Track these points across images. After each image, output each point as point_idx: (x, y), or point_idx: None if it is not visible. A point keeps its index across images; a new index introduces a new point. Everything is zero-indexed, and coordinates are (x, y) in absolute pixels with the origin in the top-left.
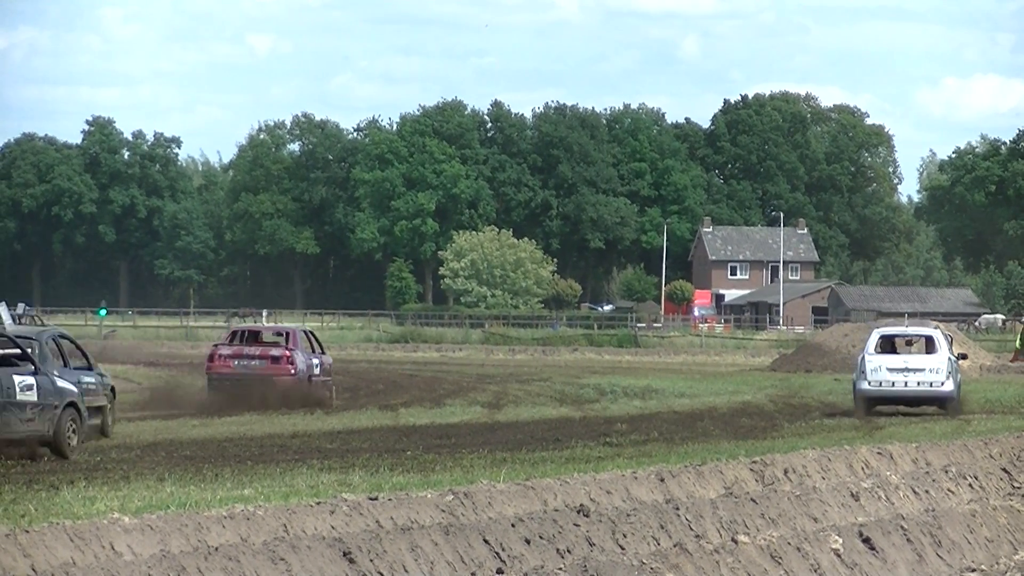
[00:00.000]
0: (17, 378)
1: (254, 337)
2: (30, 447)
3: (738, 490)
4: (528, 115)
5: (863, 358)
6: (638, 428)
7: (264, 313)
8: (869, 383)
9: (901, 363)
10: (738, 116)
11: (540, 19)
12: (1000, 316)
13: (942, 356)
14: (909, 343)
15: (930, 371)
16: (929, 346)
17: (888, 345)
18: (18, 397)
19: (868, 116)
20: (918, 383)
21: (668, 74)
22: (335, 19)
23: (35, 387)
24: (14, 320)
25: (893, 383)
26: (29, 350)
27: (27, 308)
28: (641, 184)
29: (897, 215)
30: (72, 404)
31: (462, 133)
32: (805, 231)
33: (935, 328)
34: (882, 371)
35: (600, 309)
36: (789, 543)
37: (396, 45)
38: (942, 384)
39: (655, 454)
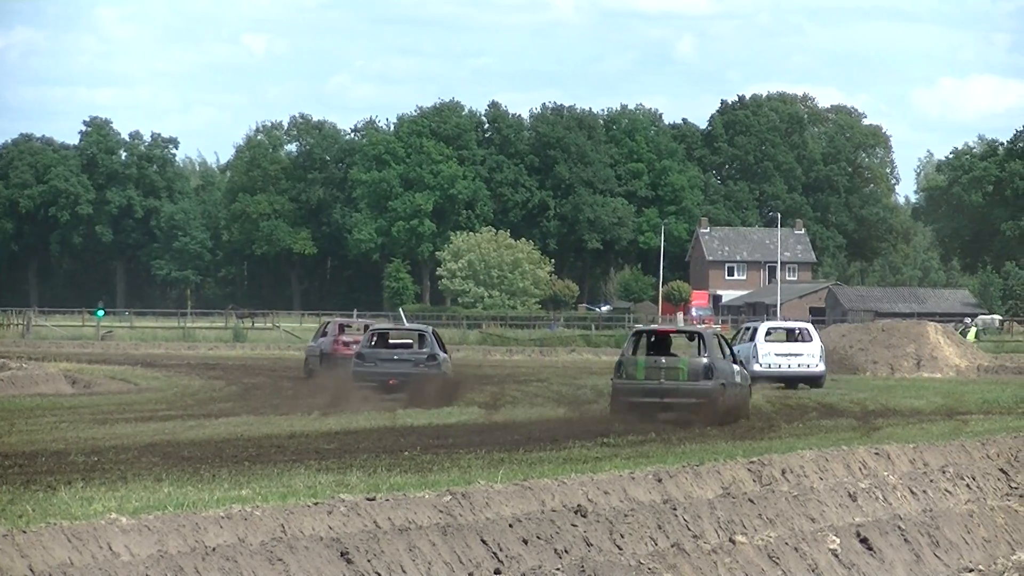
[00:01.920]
0: None
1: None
2: None
3: (736, 490)
4: (525, 116)
5: (755, 345)
6: (635, 429)
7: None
8: (760, 365)
9: (785, 350)
10: (735, 117)
11: (536, 19)
12: (997, 316)
13: (815, 344)
14: (793, 334)
15: (807, 356)
16: (806, 336)
17: (775, 334)
18: None
19: (865, 117)
20: (798, 365)
21: (664, 74)
22: (331, 19)
23: None
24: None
25: (779, 365)
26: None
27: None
28: (638, 185)
29: (894, 216)
30: None
31: (459, 134)
32: (802, 232)
33: (808, 322)
34: (771, 356)
35: (598, 310)
36: (787, 543)
37: (393, 45)
38: (816, 366)
39: (653, 455)
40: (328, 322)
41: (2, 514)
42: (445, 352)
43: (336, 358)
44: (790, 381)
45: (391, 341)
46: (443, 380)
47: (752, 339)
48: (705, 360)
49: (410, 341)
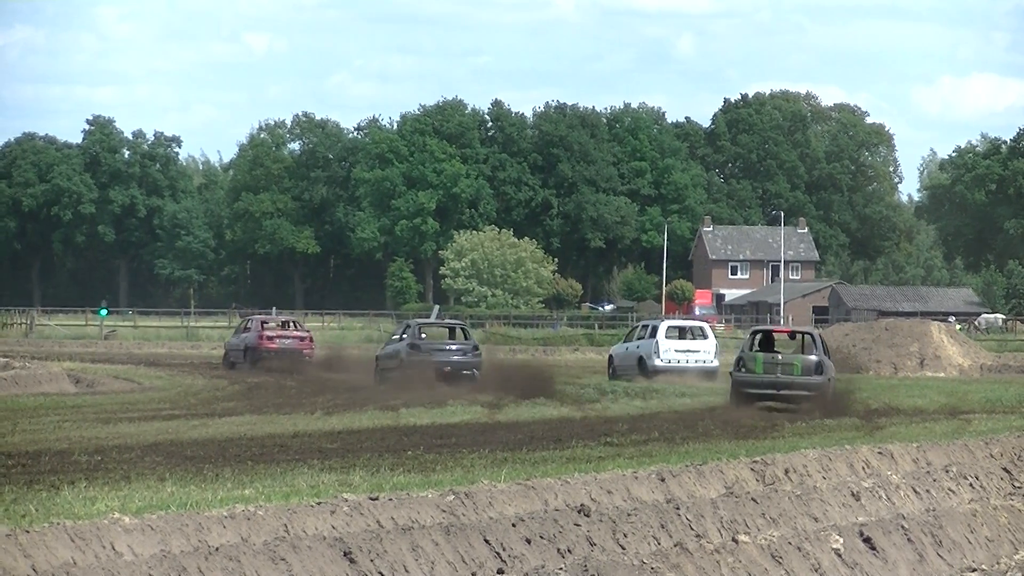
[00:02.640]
0: None
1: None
2: None
3: (739, 490)
4: (528, 114)
5: (656, 342)
6: (639, 428)
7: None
8: (660, 360)
9: (684, 346)
10: (738, 115)
11: (536, 18)
12: (1000, 315)
13: (711, 342)
14: (690, 332)
15: (703, 352)
16: (703, 333)
17: (674, 332)
18: None
19: (868, 115)
20: (695, 360)
21: (664, 73)
22: (331, 18)
23: None
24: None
25: (679, 360)
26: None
27: (440, 310)
28: (641, 183)
29: (898, 214)
30: None
31: (462, 132)
32: (805, 230)
33: (705, 322)
34: (671, 352)
35: (601, 309)
36: (790, 543)
37: (392, 44)
38: (711, 361)
39: (656, 454)
40: (250, 318)
41: (5, 514)
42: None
43: (261, 351)
44: (686, 375)
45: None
46: (484, 367)
47: (653, 336)
48: (816, 357)
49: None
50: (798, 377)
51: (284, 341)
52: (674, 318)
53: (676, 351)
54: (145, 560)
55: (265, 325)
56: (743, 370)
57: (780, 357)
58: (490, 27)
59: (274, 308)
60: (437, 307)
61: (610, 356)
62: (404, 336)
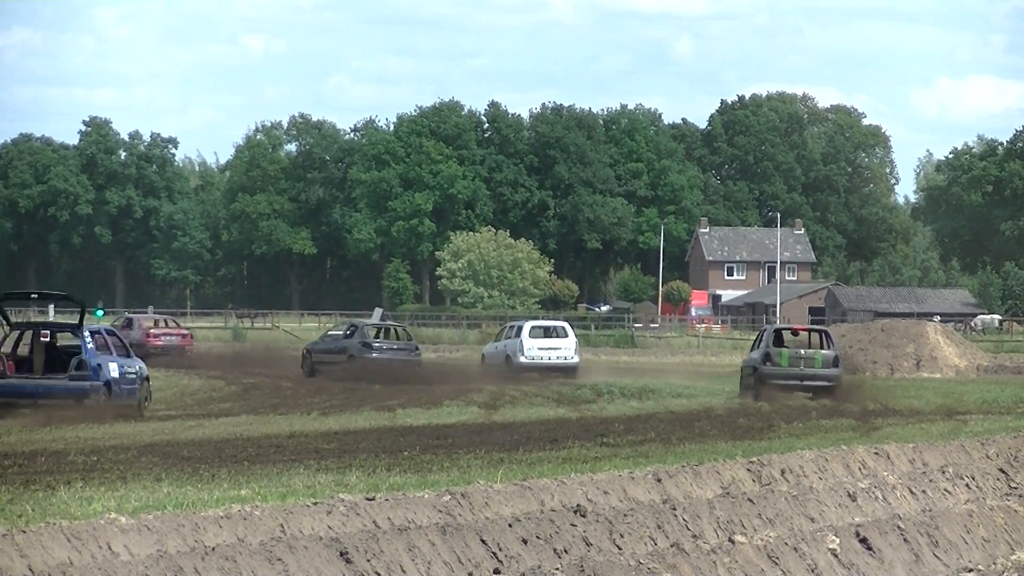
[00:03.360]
0: None
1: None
2: None
3: (735, 490)
4: (525, 116)
5: (521, 341)
6: (635, 428)
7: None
8: (525, 357)
9: (547, 344)
10: (735, 116)
11: (533, 19)
12: (997, 316)
13: (571, 340)
14: (553, 331)
15: (564, 349)
16: (564, 332)
17: (538, 331)
18: None
19: (865, 116)
20: (557, 357)
21: (662, 75)
22: (328, 20)
23: None
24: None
25: (542, 357)
26: None
27: (383, 312)
28: (638, 184)
29: (894, 215)
30: None
31: (459, 134)
32: (802, 231)
33: (565, 321)
34: (535, 349)
35: (597, 310)
36: (786, 543)
37: (389, 46)
38: (571, 358)
39: (652, 454)
40: (131, 318)
41: (2, 514)
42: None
43: (147, 348)
44: (549, 370)
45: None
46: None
47: (518, 335)
48: (834, 352)
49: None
50: (820, 370)
51: (168, 338)
52: (538, 319)
53: (539, 348)
54: (141, 560)
55: (146, 324)
56: (769, 364)
57: (803, 352)
58: (487, 29)
59: (151, 307)
60: (379, 309)
61: (483, 354)
62: (350, 335)
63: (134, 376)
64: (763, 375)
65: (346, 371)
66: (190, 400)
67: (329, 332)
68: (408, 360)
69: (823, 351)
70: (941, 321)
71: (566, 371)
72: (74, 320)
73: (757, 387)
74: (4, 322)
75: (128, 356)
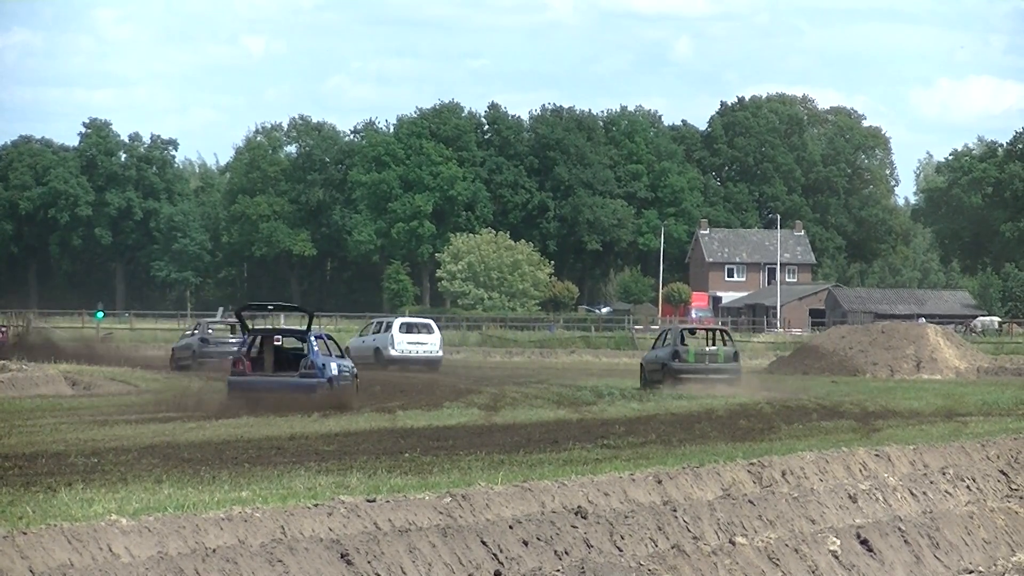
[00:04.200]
0: None
1: None
2: None
3: (736, 492)
4: (525, 117)
5: (391, 336)
6: (635, 430)
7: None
8: (395, 351)
9: (414, 339)
10: (735, 118)
11: (533, 21)
12: (996, 318)
13: (436, 336)
14: (419, 328)
15: (430, 344)
16: (430, 329)
17: (406, 328)
18: None
19: (865, 118)
20: (423, 351)
21: (662, 76)
22: (328, 21)
23: None
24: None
25: (410, 351)
26: None
27: (224, 311)
28: (638, 186)
29: (894, 217)
30: None
31: (459, 135)
32: (802, 233)
33: (431, 320)
34: (404, 344)
35: (597, 311)
36: (787, 545)
37: (389, 47)
38: (436, 352)
39: (653, 456)
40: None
41: (2, 515)
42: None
43: (6, 347)
44: (416, 363)
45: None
46: None
47: (388, 331)
48: (734, 348)
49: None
50: (722, 364)
51: None
52: (407, 316)
53: (408, 343)
54: (142, 562)
55: None
56: (678, 360)
57: (708, 348)
58: (487, 30)
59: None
60: (221, 308)
61: (347, 347)
62: (196, 333)
63: (348, 373)
64: (673, 369)
65: (193, 365)
66: (190, 402)
67: (186, 332)
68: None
69: (724, 347)
70: (937, 323)
71: (430, 364)
72: (72, 324)
73: (667, 380)
74: (243, 328)
75: (342, 356)
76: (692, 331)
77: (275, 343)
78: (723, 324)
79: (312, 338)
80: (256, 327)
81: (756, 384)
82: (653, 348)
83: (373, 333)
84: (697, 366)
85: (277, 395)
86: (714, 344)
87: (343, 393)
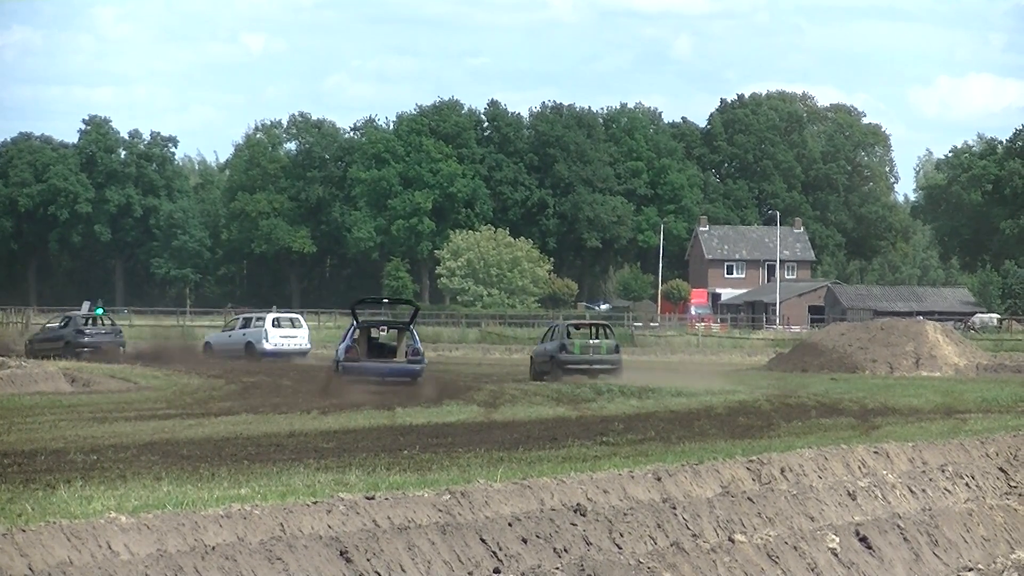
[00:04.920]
0: None
1: None
2: None
3: (735, 489)
4: (525, 114)
5: (265, 330)
6: (635, 427)
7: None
8: (268, 344)
9: (286, 333)
10: (734, 115)
11: (532, 18)
12: (995, 315)
13: (305, 330)
14: (290, 322)
15: (299, 338)
16: (300, 323)
17: (278, 322)
18: None
19: (864, 115)
20: (294, 344)
21: (661, 74)
22: (327, 19)
23: None
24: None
25: (283, 345)
26: None
27: (91, 304)
28: (638, 183)
29: (894, 214)
30: None
31: (459, 132)
32: (801, 230)
33: (299, 314)
34: (276, 338)
35: (597, 308)
36: (786, 542)
37: (389, 45)
38: (305, 345)
39: (652, 453)
40: None
41: (1, 513)
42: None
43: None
44: (289, 355)
45: None
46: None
47: (261, 325)
48: (615, 342)
49: None
50: (605, 355)
51: None
52: (273, 311)
53: (281, 337)
54: (141, 559)
55: None
56: (565, 352)
57: (592, 341)
58: (487, 28)
59: None
60: (88, 302)
61: (207, 342)
62: (65, 325)
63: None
64: (560, 361)
65: (63, 354)
66: (190, 399)
67: (47, 325)
68: (113, 342)
69: (607, 340)
70: (937, 320)
71: (302, 355)
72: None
73: (555, 371)
74: (355, 320)
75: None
76: (577, 326)
77: (382, 332)
78: (722, 321)
79: (414, 330)
80: (278, 317)
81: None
82: (541, 342)
83: (241, 328)
84: (582, 357)
85: (386, 378)
86: (597, 338)
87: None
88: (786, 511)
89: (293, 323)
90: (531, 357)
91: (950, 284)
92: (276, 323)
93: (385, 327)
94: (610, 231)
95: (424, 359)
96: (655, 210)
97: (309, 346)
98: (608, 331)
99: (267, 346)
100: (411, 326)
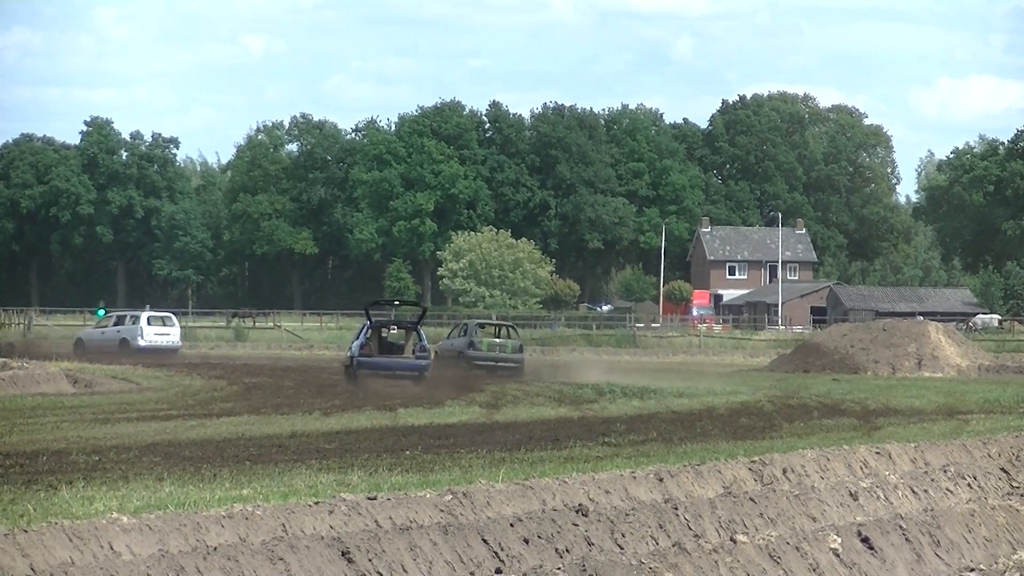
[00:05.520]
0: None
1: None
2: None
3: (737, 490)
4: (526, 116)
5: (140, 327)
6: (636, 428)
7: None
8: (143, 341)
9: (160, 331)
10: (736, 116)
11: (533, 20)
12: (996, 316)
13: (177, 328)
14: (162, 320)
15: (172, 335)
16: (172, 322)
17: (151, 320)
18: None
19: (866, 116)
20: (168, 341)
21: (662, 75)
22: (328, 20)
23: None
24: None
25: (157, 341)
26: None
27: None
28: (639, 184)
29: (895, 215)
30: None
31: (460, 133)
32: (803, 231)
33: (171, 313)
34: (151, 335)
35: (598, 309)
36: (788, 543)
37: (389, 46)
38: (177, 341)
39: (654, 454)
40: None
41: (3, 513)
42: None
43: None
44: (163, 352)
45: None
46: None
47: (136, 323)
48: (519, 342)
49: None
50: (510, 354)
51: None
52: (148, 310)
53: (155, 334)
54: (143, 560)
55: None
56: (473, 349)
57: (498, 340)
58: (488, 29)
59: None
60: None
61: (79, 338)
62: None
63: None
64: (468, 357)
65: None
66: (192, 400)
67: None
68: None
69: (511, 340)
70: (939, 321)
71: (173, 351)
72: (71, 322)
73: (462, 366)
74: (368, 320)
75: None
76: (483, 325)
77: (392, 331)
78: (724, 322)
79: (421, 329)
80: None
81: (538, 372)
82: (448, 338)
83: (115, 325)
84: (489, 355)
85: (396, 372)
86: (502, 338)
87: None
88: (788, 511)
89: (164, 321)
90: (436, 352)
91: (952, 285)
92: (150, 321)
93: (395, 326)
94: (612, 232)
95: (430, 356)
96: (657, 211)
97: (180, 344)
98: (513, 332)
99: (141, 342)
100: (419, 326)
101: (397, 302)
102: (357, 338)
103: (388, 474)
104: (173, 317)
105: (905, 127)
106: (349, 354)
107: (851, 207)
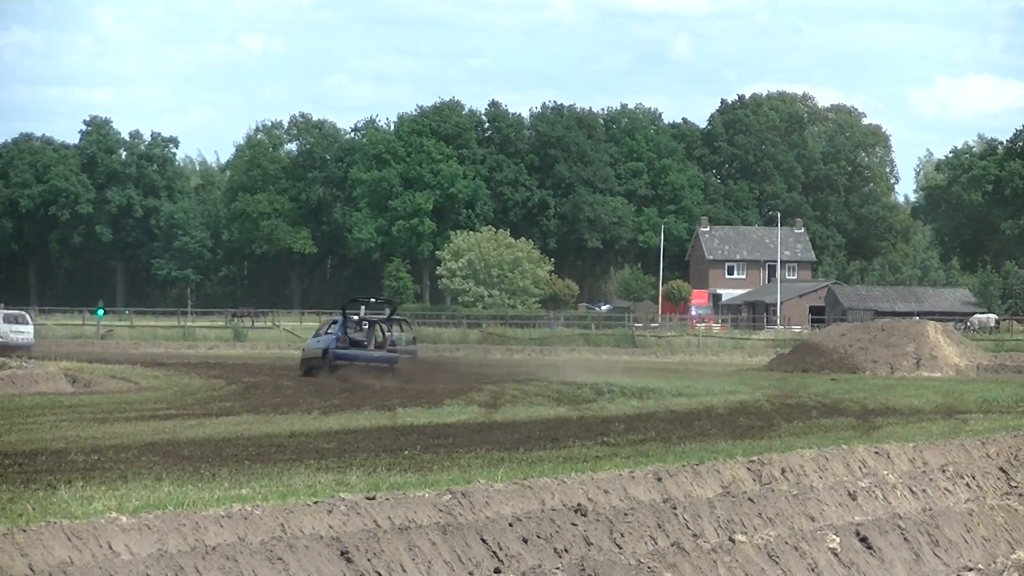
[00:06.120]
0: None
1: None
2: None
3: (735, 489)
4: (525, 115)
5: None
6: (635, 428)
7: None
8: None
9: (16, 328)
10: (735, 116)
11: (532, 19)
12: (993, 316)
13: (31, 325)
14: (15, 318)
15: (26, 333)
16: (27, 320)
17: (5, 318)
18: None
19: (865, 116)
20: (20, 339)
21: (661, 74)
22: (328, 19)
23: None
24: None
25: (14, 338)
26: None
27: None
28: (638, 184)
29: (894, 215)
30: None
31: (459, 133)
32: (802, 231)
33: (25, 311)
34: (8, 331)
35: (597, 309)
36: (786, 542)
37: (388, 45)
38: (30, 339)
39: (652, 454)
40: None
41: (2, 513)
42: None
43: None
44: (15, 349)
45: None
46: None
47: None
48: (412, 334)
49: None
50: (404, 347)
51: None
52: (2, 308)
53: (12, 332)
54: (142, 559)
55: None
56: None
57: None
58: (487, 29)
59: None
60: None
61: None
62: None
63: (412, 352)
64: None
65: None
66: (190, 399)
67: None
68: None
69: (403, 334)
70: (937, 320)
71: (26, 348)
72: (70, 321)
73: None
74: (343, 316)
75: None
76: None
77: (363, 327)
78: (723, 321)
79: (388, 325)
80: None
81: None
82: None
83: None
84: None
85: (369, 364)
86: (401, 331)
87: (405, 367)
88: (787, 511)
89: (17, 319)
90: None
91: (950, 285)
92: (6, 319)
93: (367, 322)
94: (611, 232)
95: (399, 350)
96: (656, 211)
97: (33, 340)
98: (404, 326)
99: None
100: (389, 322)
101: (373, 300)
102: (317, 335)
103: (387, 474)
104: (27, 315)
105: (904, 127)
106: (324, 346)
107: (850, 207)
